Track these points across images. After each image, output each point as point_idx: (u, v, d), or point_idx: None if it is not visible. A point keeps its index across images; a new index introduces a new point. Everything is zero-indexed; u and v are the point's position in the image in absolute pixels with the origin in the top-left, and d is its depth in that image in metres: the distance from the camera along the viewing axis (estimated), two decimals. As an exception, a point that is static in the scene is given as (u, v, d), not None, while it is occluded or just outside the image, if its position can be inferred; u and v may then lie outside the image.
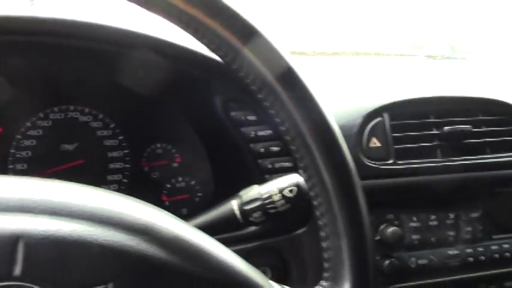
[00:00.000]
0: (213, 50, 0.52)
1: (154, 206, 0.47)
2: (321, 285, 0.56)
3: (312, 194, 0.54)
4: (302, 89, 0.53)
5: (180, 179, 0.92)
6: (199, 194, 0.92)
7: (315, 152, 0.54)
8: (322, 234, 0.55)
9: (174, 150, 0.93)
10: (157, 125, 0.91)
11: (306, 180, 0.55)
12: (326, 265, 0.55)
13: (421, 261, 0.90)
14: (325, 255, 0.55)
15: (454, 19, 1.56)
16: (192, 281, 0.44)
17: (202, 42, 0.52)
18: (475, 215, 0.94)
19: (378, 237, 0.88)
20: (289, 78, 0.52)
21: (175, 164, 0.93)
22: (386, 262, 0.87)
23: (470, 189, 0.94)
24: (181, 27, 0.51)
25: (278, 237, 0.86)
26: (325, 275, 0.56)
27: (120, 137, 0.90)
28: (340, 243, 0.54)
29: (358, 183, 0.54)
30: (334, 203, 0.55)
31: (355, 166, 0.54)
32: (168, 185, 0.91)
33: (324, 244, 0.55)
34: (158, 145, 0.92)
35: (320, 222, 0.55)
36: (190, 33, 0.52)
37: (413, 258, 0.90)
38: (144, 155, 0.91)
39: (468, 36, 1.58)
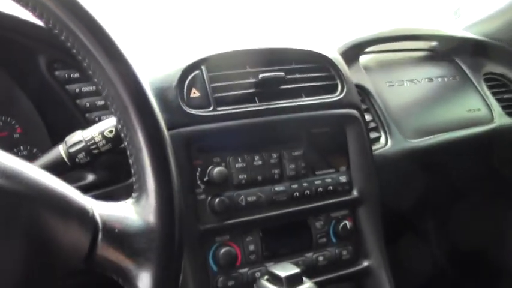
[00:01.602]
0: (36, 16, 0.58)
1: None
2: (132, 197, 0.62)
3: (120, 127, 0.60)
4: (112, 46, 0.59)
5: (21, 147, 0.95)
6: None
7: (124, 97, 0.60)
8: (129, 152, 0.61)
9: (13, 122, 0.95)
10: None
11: (117, 122, 0.61)
12: (134, 180, 0.61)
13: (250, 199, 0.98)
14: (132, 171, 0.61)
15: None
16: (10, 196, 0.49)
17: (26, 8, 0.58)
18: (297, 153, 1.03)
19: (206, 178, 0.95)
20: (103, 42, 0.58)
21: (16, 135, 0.95)
22: (217, 200, 0.94)
23: (289, 130, 1.03)
24: None
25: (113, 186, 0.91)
26: (134, 187, 0.62)
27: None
28: (142, 156, 0.60)
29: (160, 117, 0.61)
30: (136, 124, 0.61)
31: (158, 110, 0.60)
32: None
33: (131, 161, 0.61)
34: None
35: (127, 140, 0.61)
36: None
37: (242, 196, 0.97)
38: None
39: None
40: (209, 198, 0.95)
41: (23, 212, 0.52)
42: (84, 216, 0.57)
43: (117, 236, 0.59)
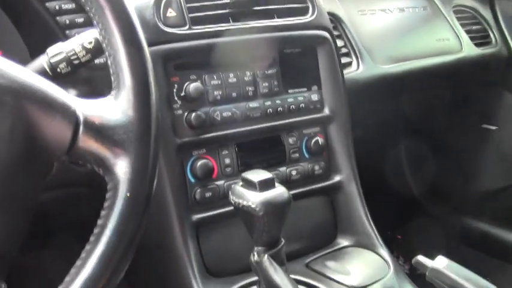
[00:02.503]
0: None
1: None
2: (111, 94, 0.66)
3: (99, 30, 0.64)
4: None
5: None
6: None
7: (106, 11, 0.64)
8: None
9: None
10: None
11: (95, 24, 0.64)
12: (112, 79, 0.65)
13: (225, 114, 1.02)
14: (111, 71, 0.65)
15: None
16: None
17: None
18: (270, 72, 1.07)
19: (183, 94, 0.99)
20: None
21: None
22: (193, 115, 0.99)
23: (262, 50, 1.07)
24: None
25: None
26: (113, 86, 0.66)
27: None
28: (120, 55, 0.65)
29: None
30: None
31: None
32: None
33: (109, 62, 0.65)
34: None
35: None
36: None
37: (217, 112, 1.02)
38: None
39: None
40: (186, 113, 0.99)
41: (7, 100, 0.56)
42: (66, 111, 0.62)
43: (98, 128, 0.64)
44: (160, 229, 0.99)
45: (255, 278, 0.93)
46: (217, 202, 1.02)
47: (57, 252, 1.09)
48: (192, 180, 1.00)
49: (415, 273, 1.09)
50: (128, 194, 0.62)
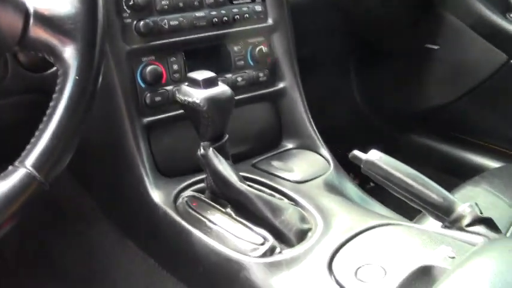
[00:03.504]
0: None
1: None
2: None
3: None
4: None
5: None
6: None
7: None
8: None
9: None
10: None
11: None
12: None
13: (172, 22, 1.08)
14: None
15: None
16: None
17: None
18: (215, -18, 1.13)
19: (131, 3, 1.04)
20: None
21: None
22: (142, 23, 1.04)
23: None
24: None
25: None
26: None
27: None
28: None
29: None
30: None
31: None
32: None
33: None
34: None
35: None
36: None
37: (165, 20, 1.07)
38: None
39: None
40: (135, 21, 1.05)
41: None
42: (17, 2, 0.67)
43: (47, 18, 0.69)
44: (113, 132, 1.06)
45: (204, 176, 1.00)
46: (166, 106, 1.08)
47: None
48: (142, 85, 1.06)
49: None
50: (77, 77, 0.68)
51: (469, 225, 0.87)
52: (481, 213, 0.87)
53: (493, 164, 1.72)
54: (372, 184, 1.24)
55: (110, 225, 1.21)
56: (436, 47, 1.78)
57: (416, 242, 0.84)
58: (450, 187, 1.05)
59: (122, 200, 1.14)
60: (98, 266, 1.25)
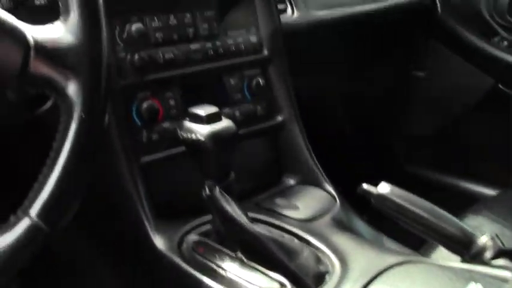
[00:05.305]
0: None
1: None
2: (59, 19, 0.65)
3: None
4: None
5: None
6: None
7: None
8: None
9: None
10: None
11: None
12: (60, 4, 0.65)
13: (167, 56, 1.03)
14: None
15: None
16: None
17: None
18: (209, 13, 1.08)
19: (125, 36, 0.99)
20: None
21: None
22: (136, 57, 0.99)
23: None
24: None
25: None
26: (60, 10, 0.65)
27: None
28: None
29: None
30: None
31: None
32: None
33: None
34: None
35: None
36: None
37: (160, 53, 1.02)
38: None
39: None
40: (129, 55, 0.99)
41: None
42: (16, 35, 0.61)
43: (49, 52, 0.63)
44: (110, 173, 0.99)
45: (208, 218, 0.94)
46: (164, 144, 1.02)
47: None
48: (139, 123, 1.00)
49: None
50: (83, 115, 0.63)
51: (492, 258, 0.83)
52: (503, 245, 0.83)
53: (487, 191, 1.69)
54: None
55: (112, 277, 1.13)
56: (422, 74, 1.77)
57: (443, 280, 0.79)
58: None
59: (123, 248, 1.07)
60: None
